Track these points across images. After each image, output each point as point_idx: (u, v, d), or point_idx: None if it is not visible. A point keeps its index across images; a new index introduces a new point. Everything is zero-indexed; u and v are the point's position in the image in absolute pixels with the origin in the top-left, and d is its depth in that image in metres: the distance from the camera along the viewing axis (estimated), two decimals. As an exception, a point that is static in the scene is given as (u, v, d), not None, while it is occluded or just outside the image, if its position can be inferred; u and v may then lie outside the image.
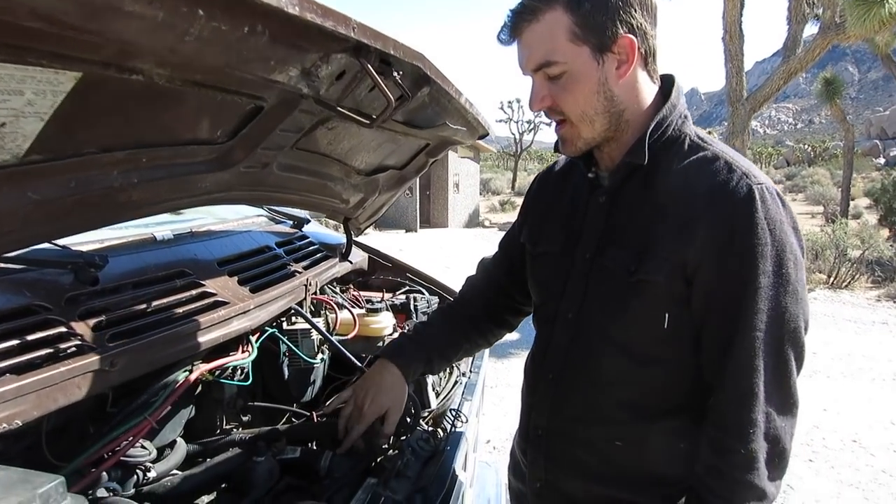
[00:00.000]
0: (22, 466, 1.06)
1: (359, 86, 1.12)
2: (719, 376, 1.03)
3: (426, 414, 1.67)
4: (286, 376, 1.76)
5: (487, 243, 16.16)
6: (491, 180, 35.51)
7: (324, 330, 1.64)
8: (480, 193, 27.69)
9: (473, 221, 23.77)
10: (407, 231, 19.53)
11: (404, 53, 1.10)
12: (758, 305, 0.98)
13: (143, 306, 1.15)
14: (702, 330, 1.05)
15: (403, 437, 1.53)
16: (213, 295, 1.30)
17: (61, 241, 1.10)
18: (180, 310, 1.21)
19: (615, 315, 1.10)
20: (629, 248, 1.08)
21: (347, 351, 1.86)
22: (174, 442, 1.41)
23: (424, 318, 1.50)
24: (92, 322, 1.04)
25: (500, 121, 38.64)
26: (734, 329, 1.00)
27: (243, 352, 1.42)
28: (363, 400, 1.34)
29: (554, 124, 1.12)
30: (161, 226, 1.42)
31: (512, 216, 25.69)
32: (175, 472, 1.48)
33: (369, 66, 1.01)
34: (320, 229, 2.31)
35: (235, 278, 1.42)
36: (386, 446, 1.40)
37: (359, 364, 1.61)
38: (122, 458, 1.15)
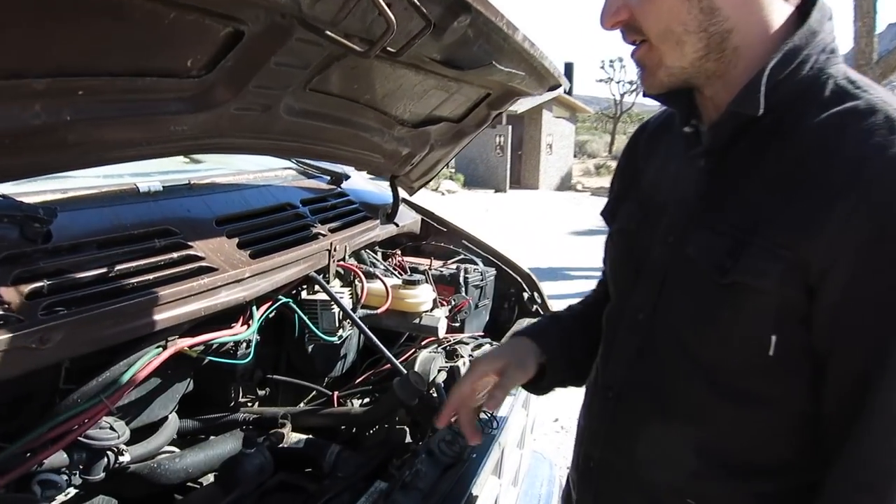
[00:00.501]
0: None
1: (359, 5, 0.87)
2: (853, 429, 0.70)
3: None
4: (309, 349, 1.58)
5: (578, 207, 15.60)
6: (587, 143, 34.32)
7: (343, 301, 1.43)
8: (575, 156, 26.81)
9: (565, 184, 23.08)
10: (496, 191, 19.20)
11: (419, -38, 0.84)
12: None
13: (103, 270, 0.97)
14: (826, 365, 0.72)
15: (420, 441, 1.32)
16: (199, 259, 1.11)
17: (5, 190, 0.92)
18: (152, 276, 1.02)
19: (699, 327, 0.79)
20: (725, 235, 0.76)
21: (381, 325, 1.66)
22: (165, 419, 1.26)
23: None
24: (27, 288, 0.86)
25: (601, 80, 37.09)
26: (877, 370, 0.67)
27: (243, 325, 1.24)
28: (481, 361, 1.04)
29: (632, 50, 0.82)
30: (150, 176, 1.24)
31: (608, 181, 24.63)
32: (170, 450, 1.34)
33: (361, -27, 0.75)
34: (369, 186, 2.09)
35: (235, 240, 1.22)
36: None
37: (380, 345, 1.39)
38: (83, 440, 1.00)
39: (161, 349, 1.04)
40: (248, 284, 1.16)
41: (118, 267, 1.00)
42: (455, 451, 1.28)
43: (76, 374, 1.01)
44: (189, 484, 1.32)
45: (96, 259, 0.98)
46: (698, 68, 0.78)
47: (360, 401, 1.68)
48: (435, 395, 1.35)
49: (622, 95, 37.12)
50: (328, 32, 0.85)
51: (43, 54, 0.72)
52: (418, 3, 0.89)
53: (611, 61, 36.36)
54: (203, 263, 1.10)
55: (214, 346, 1.19)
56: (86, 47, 0.76)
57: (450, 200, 15.62)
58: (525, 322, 2.12)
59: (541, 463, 2.27)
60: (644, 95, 0.89)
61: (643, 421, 0.86)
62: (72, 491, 1.15)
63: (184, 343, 1.07)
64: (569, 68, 28.49)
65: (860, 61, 8.93)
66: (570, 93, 26.00)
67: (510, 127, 20.02)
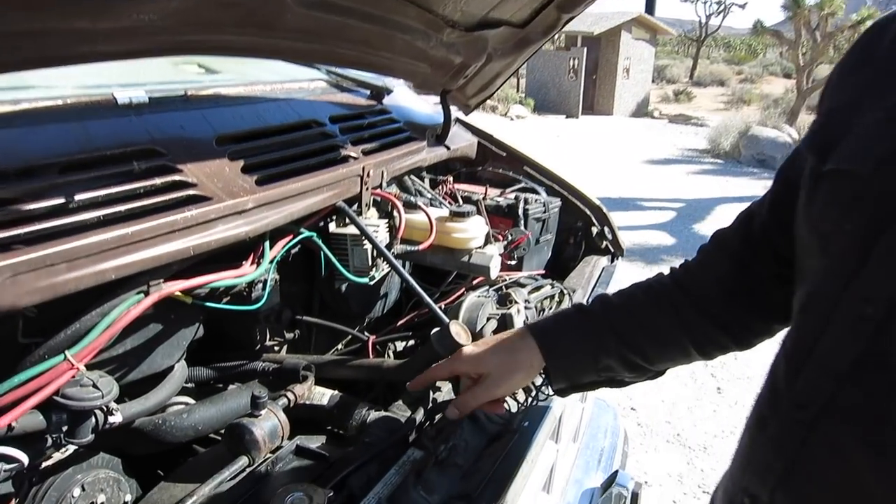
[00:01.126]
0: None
1: None
2: None
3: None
4: (342, 288, 1.38)
5: (654, 135, 14.75)
6: (667, 67, 32.33)
7: (378, 236, 1.22)
8: (653, 81, 25.30)
9: (641, 111, 21.90)
10: (567, 117, 18.42)
11: None
12: None
13: (61, 200, 0.78)
14: None
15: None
16: (190, 186, 0.90)
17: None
18: (125, 207, 0.82)
19: None
20: None
21: (425, 262, 1.44)
22: (171, 370, 1.10)
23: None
24: (-45, 222, 0.68)
25: (686, 1, 34.54)
26: None
27: (252, 264, 1.04)
28: (474, 345, 0.93)
29: None
30: (138, 87, 1.02)
31: (687, 108, 23.38)
32: (181, 401, 1.19)
33: None
34: (417, 103, 1.83)
35: (239, 163, 1.01)
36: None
37: (417, 287, 1.17)
38: (59, 400, 0.84)
39: (143, 295, 0.86)
40: (252, 216, 0.95)
41: (83, 196, 0.80)
42: (503, 417, 1.07)
43: (42, 325, 0.84)
44: (211, 436, 1.18)
45: (55, 186, 0.79)
46: None
47: (403, 344, 1.49)
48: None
49: (708, 17, 34.54)
50: None
51: None
52: None
53: (698, -22, 33.77)
54: (193, 192, 0.90)
55: (219, 290, 1.00)
56: None
57: (519, 126, 15.07)
58: (594, 260, 1.86)
59: (604, 412, 2.05)
60: None
61: (848, 464, 0.59)
62: (70, 448, 1.02)
63: (171, 288, 0.88)
64: (651, -15, 26.61)
65: None
66: (651, 12, 24.39)
67: (585, 49, 18.99)
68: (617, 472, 1.58)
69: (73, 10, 0.68)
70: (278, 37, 0.98)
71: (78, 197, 0.79)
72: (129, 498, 1.04)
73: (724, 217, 7.56)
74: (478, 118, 1.97)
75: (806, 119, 14.14)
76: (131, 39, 0.78)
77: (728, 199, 8.71)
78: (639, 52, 21.75)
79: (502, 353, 0.89)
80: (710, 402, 3.42)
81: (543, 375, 1.02)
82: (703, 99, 25.28)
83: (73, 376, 0.82)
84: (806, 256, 0.67)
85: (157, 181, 0.88)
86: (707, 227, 7.21)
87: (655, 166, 10.83)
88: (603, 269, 1.78)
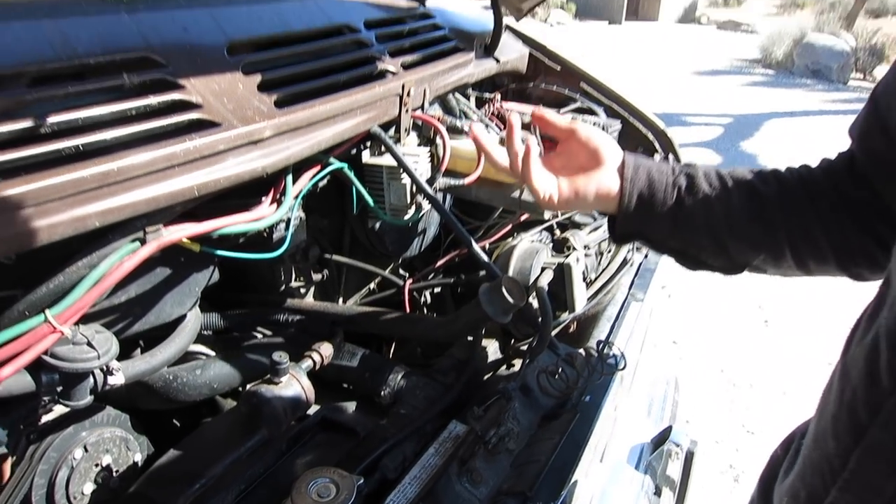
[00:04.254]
0: None
1: None
2: None
3: (565, 320, 1.07)
4: (376, 225, 1.22)
5: (702, 42, 13.88)
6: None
7: (418, 168, 1.04)
8: (703, -17, 23.70)
9: (689, 17, 20.62)
10: (610, 23, 17.42)
11: None
12: None
13: (29, 123, 0.61)
14: None
15: (511, 366, 0.97)
16: (194, 107, 0.73)
17: None
18: (113, 133, 0.65)
19: None
20: None
21: (470, 197, 1.26)
22: (183, 319, 0.96)
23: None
24: None
25: None
26: None
27: (272, 203, 0.87)
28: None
29: None
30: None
31: (737, 13, 22.02)
32: (197, 351, 1.07)
33: None
34: (463, 6, 1.59)
35: (256, 79, 0.82)
36: None
37: (465, 232, 1.01)
38: (50, 361, 0.71)
39: (139, 243, 0.70)
40: (269, 147, 0.78)
41: (58, 118, 0.63)
42: (560, 387, 0.92)
43: (27, 274, 0.69)
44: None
45: (22, 104, 0.62)
46: None
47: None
48: (538, 306, 0.97)
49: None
50: None
51: None
52: None
53: None
54: (199, 115, 0.72)
55: (232, 236, 0.84)
56: None
57: (559, 33, 14.29)
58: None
59: (651, 357, 1.91)
60: None
61: None
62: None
63: (174, 235, 0.73)
64: None
65: None
66: None
67: (632, -52, 17.71)
68: (670, 427, 1.45)
69: None
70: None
71: (51, 120, 0.62)
72: (138, 457, 0.93)
73: (773, 134, 7.14)
74: (512, 24, 1.72)
75: (864, 24, 13.14)
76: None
77: (779, 113, 8.20)
78: (691, -49, 20.27)
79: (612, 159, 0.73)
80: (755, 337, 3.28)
81: (601, 343, 0.86)
82: (755, 3, 23.71)
83: (56, 340, 0.68)
84: None
85: (153, 100, 0.70)
86: (755, 146, 6.82)
87: (702, 77, 10.20)
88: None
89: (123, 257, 0.69)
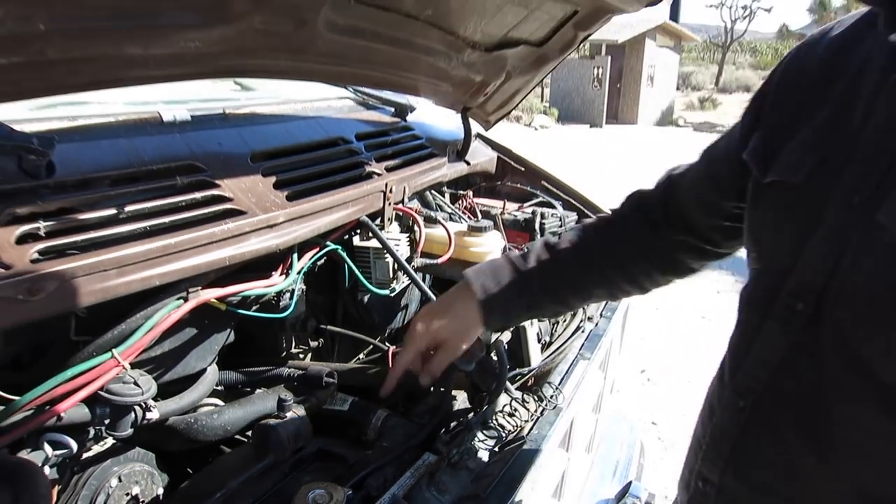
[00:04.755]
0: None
1: None
2: None
3: (523, 373, 1.28)
4: (365, 300, 1.45)
5: (679, 144, 14.69)
6: (692, 74, 32.17)
7: (398, 250, 1.28)
8: (678, 88, 25.22)
9: (666, 119, 21.81)
10: (591, 126, 18.41)
11: None
12: None
13: (113, 212, 0.85)
14: None
15: (476, 410, 1.17)
16: (227, 200, 0.98)
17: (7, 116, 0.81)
18: (169, 219, 0.90)
19: (885, 327, 0.57)
20: None
21: (444, 276, 1.50)
22: (203, 372, 1.17)
23: (552, 237, 1.03)
24: (18, 231, 0.76)
25: (711, 6, 34.30)
26: None
27: (281, 274, 1.11)
28: (418, 319, 0.98)
29: None
30: (182, 104, 1.10)
31: (713, 115, 23.21)
32: (212, 402, 1.26)
33: None
34: (440, 119, 1.89)
35: (272, 179, 1.08)
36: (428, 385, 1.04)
37: (435, 299, 1.24)
38: (104, 395, 0.91)
39: (182, 301, 0.93)
40: (282, 230, 1.02)
41: (131, 207, 0.88)
42: (514, 424, 1.13)
43: (91, 325, 0.91)
44: (238, 437, 1.25)
45: (106, 198, 0.87)
46: None
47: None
48: (496, 358, 1.19)
49: (733, 22, 34.22)
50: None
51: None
52: None
53: (724, -15, 33.50)
54: (230, 206, 0.97)
55: (250, 299, 1.07)
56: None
57: (542, 136, 15.10)
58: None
59: (619, 424, 2.09)
60: None
61: (785, 447, 0.66)
62: (109, 441, 1.09)
63: (208, 295, 0.95)
64: (676, -7, 26.48)
65: None
66: (676, 19, 24.24)
67: (609, 58, 18.97)
68: (630, 482, 1.62)
69: (127, 38, 0.76)
70: (310, 61, 1.05)
71: (127, 208, 0.86)
72: (160, 491, 1.11)
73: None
74: (501, 128, 2.02)
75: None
76: (178, 64, 0.85)
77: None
78: (663, 59, 21.68)
79: (452, 320, 0.97)
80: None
81: (552, 386, 1.08)
82: (730, 106, 25.02)
83: (118, 373, 0.89)
84: (750, 247, 0.76)
85: (198, 195, 0.95)
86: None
87: (678, 177, 10.75)
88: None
89: (171, 311, 0.92)
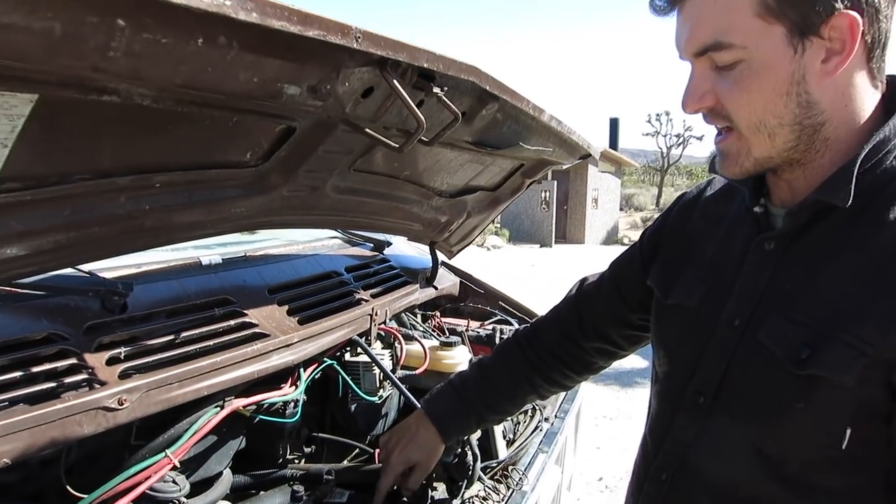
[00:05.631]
0: (44, 495, 1.05)
1: (396, 103, 0.99)
2: None
3: (493, 465, 1.50)
4: (352, 409, 1.66)
5: (624, 262, 15.40)
6: (634, 196, 34.23)
7: (384, 363, 1.53)
8: (621, 209, 26.73)
9: (612, 238, 22.95)
10: (541, 246, 19.22)
11: (448, 66, 0.96)
12: None
13: (170, 337, 1.09)
14: None
15: (457, 494, 1.38)
16: (254, 326, 1.22)
17: (90, 267, 1.06)
18: (213, 342, 1.14)
19: (766, 417, 0.77)
20: (801, 324, 0.74)
21: (420, 385, 1.74)
22: (220, 474, 1.36)
23: (483, 359, 1.29)
24: (107, 355, 0.99)
25: (647, 134, 37.16)
26: None
27: (291, 385, 1.34)
28: (392, 450, 1.21)
29: (715, 133, 0.81)
30: (211, 249, 1.38)
31: (654, 234, 24.37)
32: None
33: (395, 81, 0.88)
34: (410, 251, 2.21)
35: (285, 307, 1.34)
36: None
37: (418, 404, 1.47)
38: (149, 492, 1.10)
39: (219, 408, 1.15)
40: (296, 348, 1.27)
41: (183, 334, 1.12)
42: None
43: (145, 431, 1.12)
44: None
45: (165, 327, 1.11)
46: (785, 157, 0.77)
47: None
48: (469, 452, 1.42)
49: (669, 148, 37.01)
50: (367, 130, 0.97)
51: (127, 156, 0.86)
52: (447, 101, 1.02)
53: (657, 115, 36.49)
54: (256, 330, 1.22)
55: (266, 405, 1.29)
56: (163, 148, 0.90)
57: (495, 256, 15.71)
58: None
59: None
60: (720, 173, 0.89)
61: None
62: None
63: (239, 403, 1.18)
64: (614, 123, 28.66)
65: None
66: (615, 147, 26.09)
67: (555, 182, 20.16)
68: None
69: (196, 208, 1.04)
70: (318, 214, 1.35)
71: (182, 335, 1.11)
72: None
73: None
74: (447, 261, 2.34)
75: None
76: (225, 224, 1.13)
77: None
78: (606, 183, 23.12)
79: (419, 447, 1.22)
80: None
81: (518, 472, 1.31)
82: (670, 227, 26.38)
83: (167, 471, 1.09)
84: (658, 356, 0.98)
85: (231, 322, 1.20)
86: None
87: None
88: (569, 388, 2.09)
89: (211, 417, 1.13)
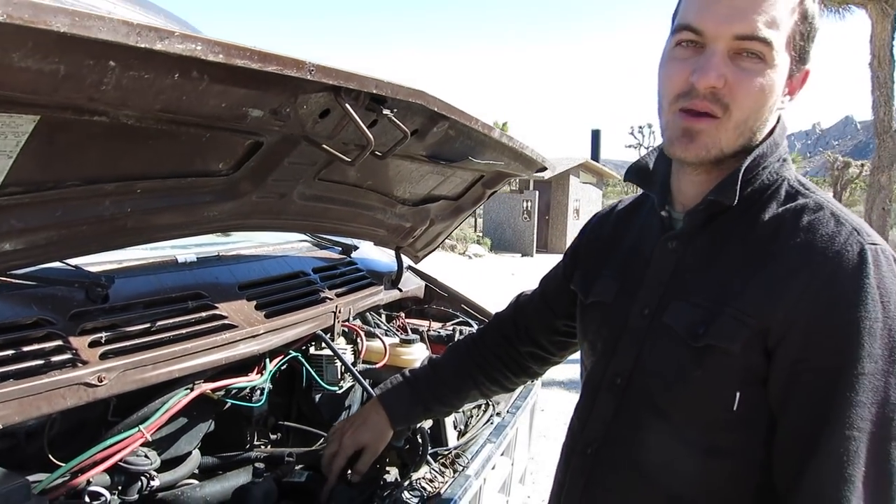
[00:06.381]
0: (29, 464, 1.17)
1: (349, 124, 1.13)
2: (794, 482, 0.81)
3: (443, 452, 1.64)
4: (316, 399, 1.80)
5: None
6: (615, 207, 34.57)
7: (344, 357, 1.66)
8: (602, 220, 26.97)
9: (592, 249, 23.18)
10: (523, 255, 19.43)
11: (396, 92, 1.11)
12: (858, 396, 0.77)
13: (147, 325, 1.22)
14: (779, 419, 0.84)
15: (407, 476, 1.51)
16: (223, 318, 1.36)
17: (77, 261, 1.19)
18: (185, 331, 1.27)
19: (672, 387, 0.91)
20: (699, 307, 0.89)
21: (380, 379, 1.88)
22: (189, 454, 1.49)
23: (434, 357, 1.44)
24: (90, 338, 1.12)
25: (630, 146, 37.72)
26: (822, 423, 0.79)
27: (257, 374, 1.47)
28: (344, 432, 1.34)
29: (684, 114, 0.88)
30: (187, 249, 1.51)
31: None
32: (191, 482, 1.56)
33: (347, 105, 1.02)
34: (379, 256, 2.35)
35: (253, 303, 1.48)
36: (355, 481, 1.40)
37: (373, 393, 1.61)
38: (122, 464, 1.22)
39: (189, 390, 1.28)
40: (262, 339, 1.40)
41: (159, 323, 1.25)
42: (434, 487, 1.48)
43: (121, 409, 1.25)
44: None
45: (142, 316, 1.24)
46: (724, 156, 0.89)
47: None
48: (420, 438, 1.56)
49: (650, 161, 37.40)
50: (324, 146, 1.12)
51: (113, 166, 1.00)
52: (396, 121, 1.16)
53: (640, 127, 37.03)
54: (225, 321, 1.35)
55: (233, 391, 1.42)
56: (144, 159, 1.04)
57: (476, 264, 15.87)
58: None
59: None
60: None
61: (621, 474, 0.99)
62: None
63: (207, 386, 1.31)
64: (596, 135, 29.07)
65: (880, 129, 9.14)
66: (597, 158, 26.42)
67: (537, 192, 20.42)
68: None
69: (174, 211, 1.18)
70: (286, 219, 1.49)
71: (158, 324, 1.24)
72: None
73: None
74: (438, 257, 2.47)
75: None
76: (200, 226, 1.27)
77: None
78: (587, 194, 23.41)
79: (369, 429, 1.35)
80: None
81: (465, 459, 1.45)
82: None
83: (142, 444, 1.22)
84: (583, 350, 1.14)
85: (203, 314, 1.33)
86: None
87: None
88: (523, 386, 2.23)
89: (181, 397, 1.26)
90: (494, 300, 2.52)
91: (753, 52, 0.83)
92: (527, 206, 20.19)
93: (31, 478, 1.04)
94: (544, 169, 2.18)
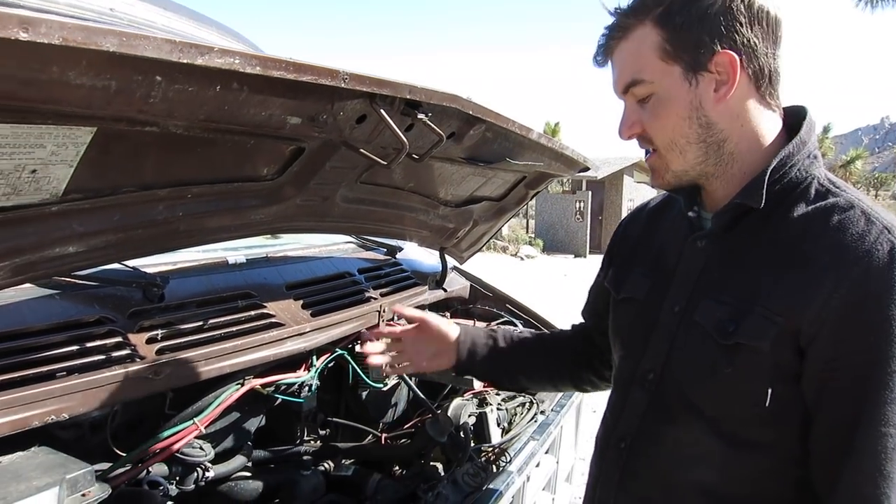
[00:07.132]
0: (94, 454, 1.25)
1: (386, 129, 1.17)
2: (832, 480, 0.83)
3: (486, 449, 1.67)
4: (363, 396, 1.85)
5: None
6: (672, 206, 33.83)
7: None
8: (658, 220, 26.46)
9: (648, 249, 22.75)
10: (576, 256, 19.23)
11: (430, 96, 1.14)
12: (892, 394, 0.78)
13: (199, 323, 1.29)
14: (814, 416, 0.86)
15: (451, 472, 1.54)
16: (271, 316, 1.42)
17: (134, 263, 1.27)
18: (235, 328, 1.34)
19: (703, 383, 0.93)
20: (728, 304, 0.91)
21: (425, 377, 1.92)
22: (242, 447, 1.56)
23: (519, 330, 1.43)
24: (147, 335, 1.20)
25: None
26: (857, 421, 0.80)
27: (305, 370, 1.53)
28: (427, 319, 1.33)
29: (644, 153, 1.00)
30: (237, 251, 1.59)
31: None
32: (245, 475, 1.63)
33: (382, 110, 1.06)
34: (424, 257, 2.39)
35: (300, 302, 1.54)
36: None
37: (417, 391, 1.65)
38: (178, 455, 1.30)
39: (240, 385, 1.35)
40: (308, 337, 1.46)
41: (210, 321, 1.32)
42: (477, 482, 1.50)
43: (177, 404, 1.32)
44: None
45: (195, 315, 1.31)
46: (699, 171, 0.96)
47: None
48: (463, 435, 1.59)
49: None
50: (362, 150, 1.16)
51: (165, 172, 1.07)
52: (431, 124, 1.19)
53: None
54: (273, 320, 1.42)
55: (282, 387, 1.48)
56: (194, 165, 1.10)
57: (528, 266, 15.80)
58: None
59: None
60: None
61: (654, 468, 1.00)
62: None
63: (257, 382, 1.37)
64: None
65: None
66: (651, 157, 25.82)
67: (590, 192, 20.17)
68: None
69: (222, 215, 1.24)
70: (329, 221, 1.54)
71: (209, 321, 1.31)
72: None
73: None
74: (489, 259, 2.52)
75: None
76: (248, 229, 1.33)
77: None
78: (641, 193, 22.97)
79: (439, 342, 1.32)
80: None
81: (508, 456, 1.47)
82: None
83: (197, 436, 1.29)
84: (614, 347, 1.14)
85: (252, 313, 1.40)
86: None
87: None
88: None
89: (233, 392, 1.33)
90: (547, 302, 2.53)
91: (638, 93, 0.93)
92: (579, 207, 19.97)
93: (95, 466, 1.11)
94: (587, 169, 2.17)
